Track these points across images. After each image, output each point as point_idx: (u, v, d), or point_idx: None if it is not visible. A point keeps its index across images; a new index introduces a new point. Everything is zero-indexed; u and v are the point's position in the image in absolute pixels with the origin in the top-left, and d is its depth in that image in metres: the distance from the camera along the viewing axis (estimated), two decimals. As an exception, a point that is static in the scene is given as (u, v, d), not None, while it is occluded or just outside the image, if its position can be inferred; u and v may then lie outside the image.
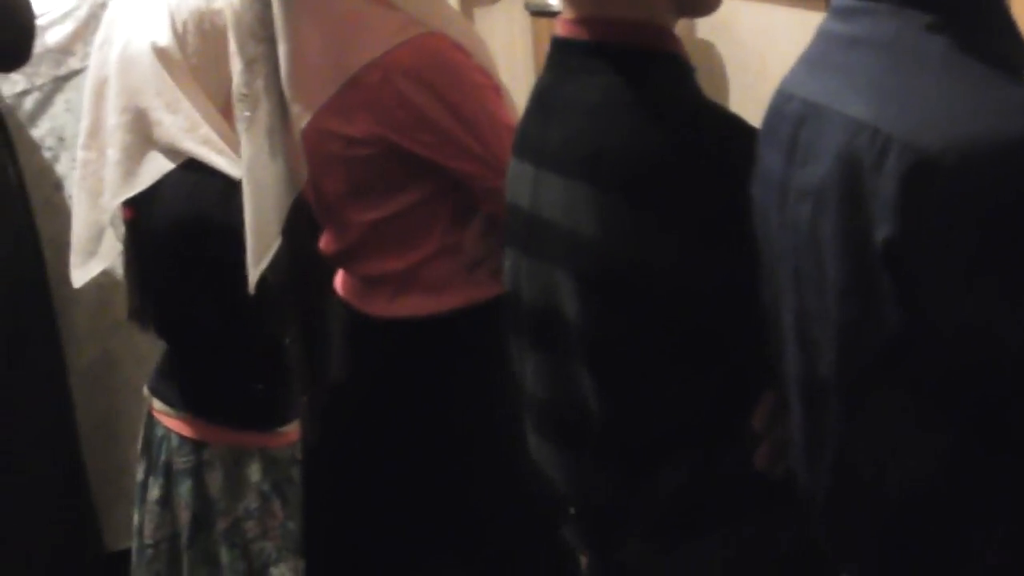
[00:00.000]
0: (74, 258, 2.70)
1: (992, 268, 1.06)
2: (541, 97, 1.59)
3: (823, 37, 1.27)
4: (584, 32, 1.51)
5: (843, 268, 1.15)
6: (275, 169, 2.07)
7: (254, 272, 2.10)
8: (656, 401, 1.46)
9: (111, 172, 2.56)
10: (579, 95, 1.49)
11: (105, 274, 2.89)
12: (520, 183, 1.59)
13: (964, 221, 1.04)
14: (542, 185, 1.53)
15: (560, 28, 1.56)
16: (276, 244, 2.11)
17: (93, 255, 2.70)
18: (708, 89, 1.52)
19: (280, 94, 2.01)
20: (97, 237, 2.68)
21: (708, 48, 2.79)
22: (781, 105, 1.29)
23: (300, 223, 2.13)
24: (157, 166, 2.51)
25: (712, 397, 1.44)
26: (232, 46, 2.05)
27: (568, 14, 1.54)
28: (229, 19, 2.05)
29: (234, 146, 2.42)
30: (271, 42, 1.98)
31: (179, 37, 2.51)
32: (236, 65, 2.06)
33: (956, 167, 1.03)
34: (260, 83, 2.03)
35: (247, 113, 2.05)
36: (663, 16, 1.50)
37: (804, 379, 1.27)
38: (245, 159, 2.09)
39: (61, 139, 3.34)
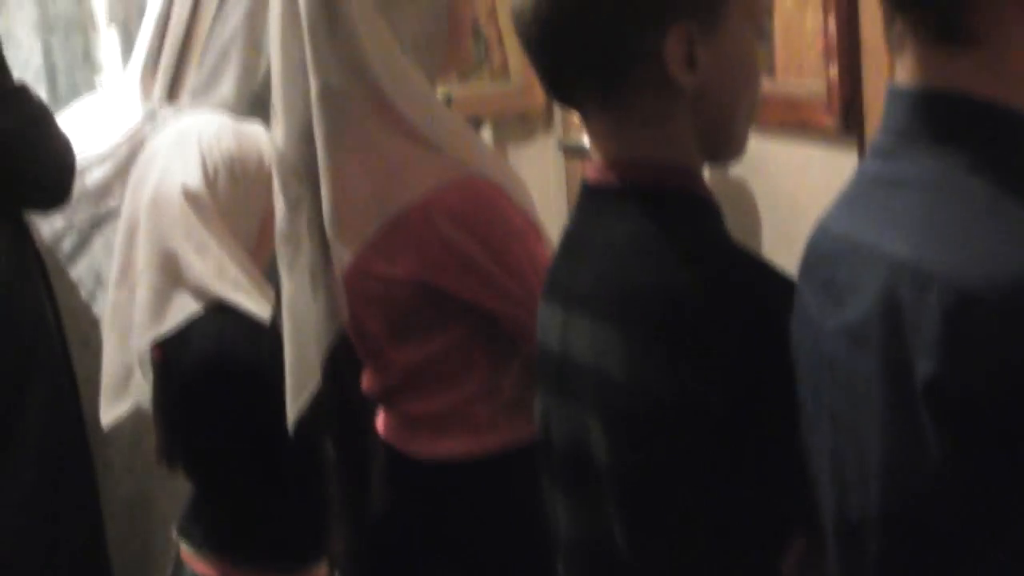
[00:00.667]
0: (103, 398, 2.71)
1: None
2: (571, 241, 1.61)
3: (863, 176, 1.27)
4: (613, 176, 1.53)
5: (883, 407, 1.14)
6: (317, 308, 2.08)
7: (292, 410, 2.11)
8: (686, 543, 1.44)
9: (140, 313, 2.58)
10: (608, 239, 1.50)
11: (140, 412, 2.90)
12: (549, 326, 1.60)
13: (1008, 360, 1.04)
14: (571, 328, 1.53)
15: (589, 172, 1.58)
16: (316, 383, 2.11)
17: (122, 395, 2.71)
18: (740, 227, 1.53)
19: (322, 234, 2.02)
20: (126, 377, 2.70)
21: (740, 186, 2.81)
22: (820, 242, 1.29)
23: (342, 362, 2.14)
24: (186, 308, 2.53)
25: (743, 539, 1.42)
26: (275, 186, 2.07)
27: (596, 159, 1.56)
28: (272, 159, 2.07)
29: (262, 289, 2.44)
30: (314, 182, 2.00)
31: (209, 181, 2.55)
32: (279, 205, 2.07)
33: (999, 305, 1.03)
34: (302, 223, 2.05)
35: (288, 253, 2.07)
36: (691, 159, 1.53)
37: (840, 519, 1.25)
38: (286, 298, 2.10)
39: (99, 279, 3.37)
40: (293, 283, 2.08)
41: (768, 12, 1.57)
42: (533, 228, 2.00)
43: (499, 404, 2.04)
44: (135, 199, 2.63)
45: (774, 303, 1.37)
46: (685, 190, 1.52)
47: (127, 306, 2.65)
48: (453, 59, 2.11)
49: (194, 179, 2.53)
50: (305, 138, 2.00)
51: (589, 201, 1.59)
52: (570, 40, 1.47)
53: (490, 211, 1.95)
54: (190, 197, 2.52)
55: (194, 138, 2.58)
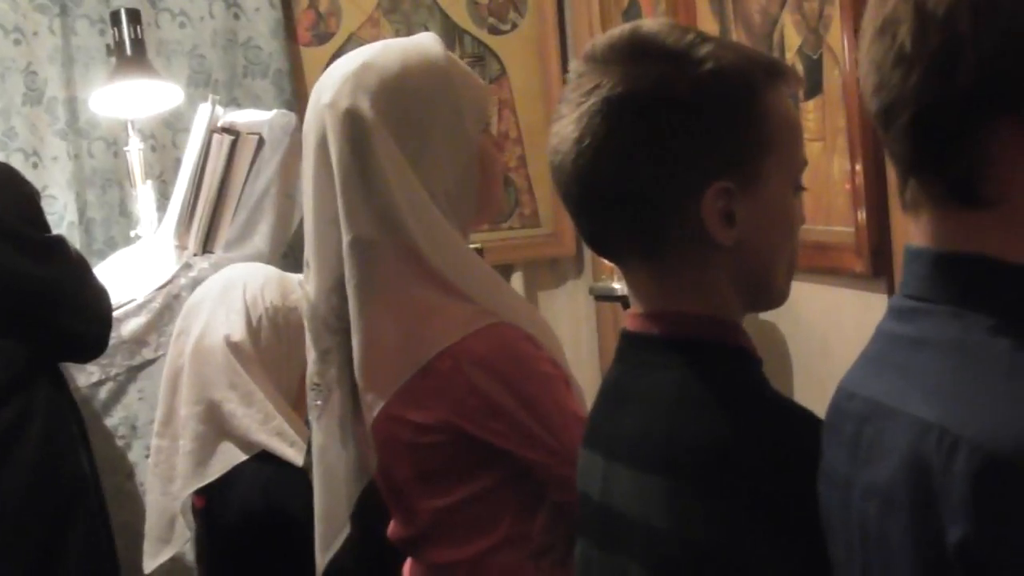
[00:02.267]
0: (147, 544, 2.72)
1: None
2: (613, 390, 1.61)
3: (883, 336, 1.27)
4: (655, 327, 1.54)
5: (915, 567, 1.12)
6: (346, 457, 2.09)
7: (322, 560, 2.11)
8: None
9: (183, 461, 2.59)
10: (651, 388, 1.51)
11: (175, 560, 2.90)
12: (590, 474, 1.60)
13: None
14: (613, 477, 1.53)
15: (630, 323, 1.59)
16: (345, 531, 2.11)
17: (166, 542, 2.72)
18: (771, 369, 1.53)
19: (352, 383, 2.03)
20: (169, 524, 2.71)
21: (771, 329, 2.82)
22: (843, 403, 1.29)
23: (370, 510, 2.14)
24: (229, 457, 2.54)
25: None
26: (307, 338, 2.10)
27: (637, 309, 1.57)
28: (304, 311, 2.10)
29: (304, 438, 2.45)
30: (345, 333, 2.02)
31: (253, 332, 2.58)
32: (310, 356, 2.09)
33: None
34: (333, 373, 2.07)
35: (319, 402, 2.08)
36: (731, 310, 1.53)
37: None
38: (316, 447, 2.11)
39: (134, 427, 3.40)
40: (323, 433, 2.09)
41: (804, 165, 1.57)
42: (561, 375, 2.01)
43: (526, 552, 2.02)
44: (178, 349, 2.66)
45: (815, 452, 1.36)
46: (726, 341, 1.52)
47: (170, 454, 2.67)
48: (485, 209, 2.14)
49: (238, 330, 2.56)
50: (337, 290, 2.03)
51: (630, 350, 1.59)
52: (609, 199, 1.47)
53: (517, 358, 1.96)
54: (233, 348, 2.55)
55: (239, 289, 2.62)
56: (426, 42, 2.07)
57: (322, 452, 2.10)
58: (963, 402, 1.09)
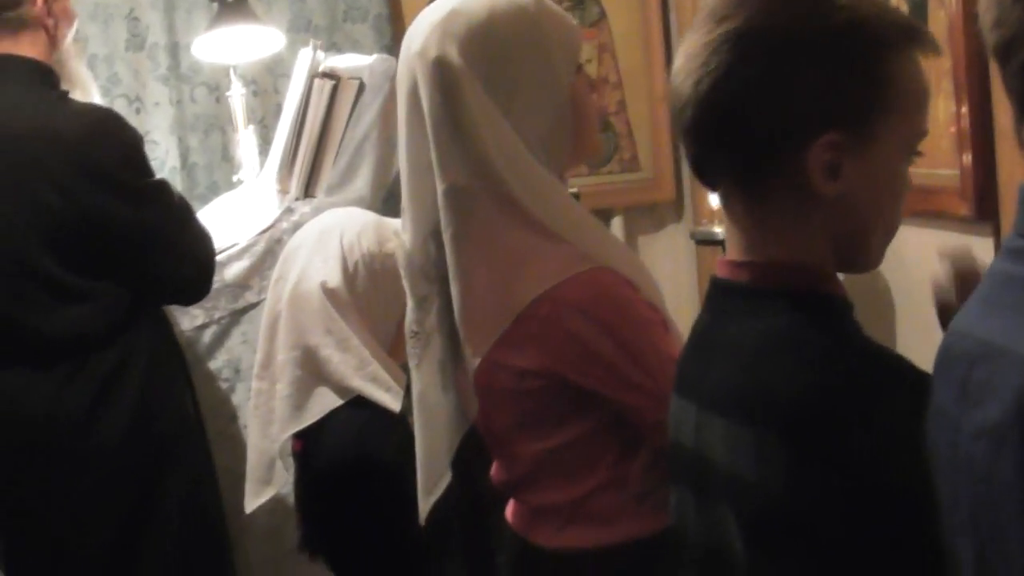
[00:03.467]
0: (248, 484, 2.75)
1: None
2: (702, 338, 1.60)
3: (996, 276, 1.25)
4: (743, 274, 1.53)
5: (1022, 508, 1.12)
6: (447, 403, 2.10)
7: (424, 504, 2.13)
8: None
9: (281, 405, 2.62)
10: (739, 338, 1.50)
11: (276, 501, 2.93)
12: (683, 422, 1.60)
13: None
14: (704, 426, 1.53)
15: (720, 269, 1.58)
16: (447, 477, 2.13)
17: (266, 483, 2.76)
18: (875, 316, 1.52)
19: (451, 329, 2.04)
20: (269, 465, 2.74)
21: (875, 275, 2.78)
22: (954, 343, 1.27)
23: (471, 455, 2.15)
24: (325, 402, 2.57)
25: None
26: (405, 285, 2.10)
27: (730, 251, 1.56)
28: (400, 260, 2.10)
29: (401, 384, 2.47)
30: (443, 281, 2.02)
31: (349, 278, 2.59)
32: (409, 303, 2.10)
33: None
34: (432, 320, 2.07)
35: (417, 350, 2.09)
36: (824, 260, 1.51)
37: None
38: (416, 393, 2.12)
39: (237, 371, 3.44)
40: (423, 379, 2.10)
41: (924, 135, 1.55)
42: (660, 319, 2.00)
43: (624, 496, 2.03)
44: (276, 294, 2.69)
45: (905, 404, 1.35)
46: (816, 290, 1.51)
47: (269, 397, 2.70)
48: (581, 152, 2.13)
49: (334, 276, 2.57)
50: (433, 238, 2.03)
51: (719, 298, 1.59)
52: (721, 125, 1.47)
53: (615, 303, 1.96)
54: (329, 294, 2.57)
55: (336, 235, 2.63)
56: None
57: (422, 398, 2.11)
58: None
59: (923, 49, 1.50)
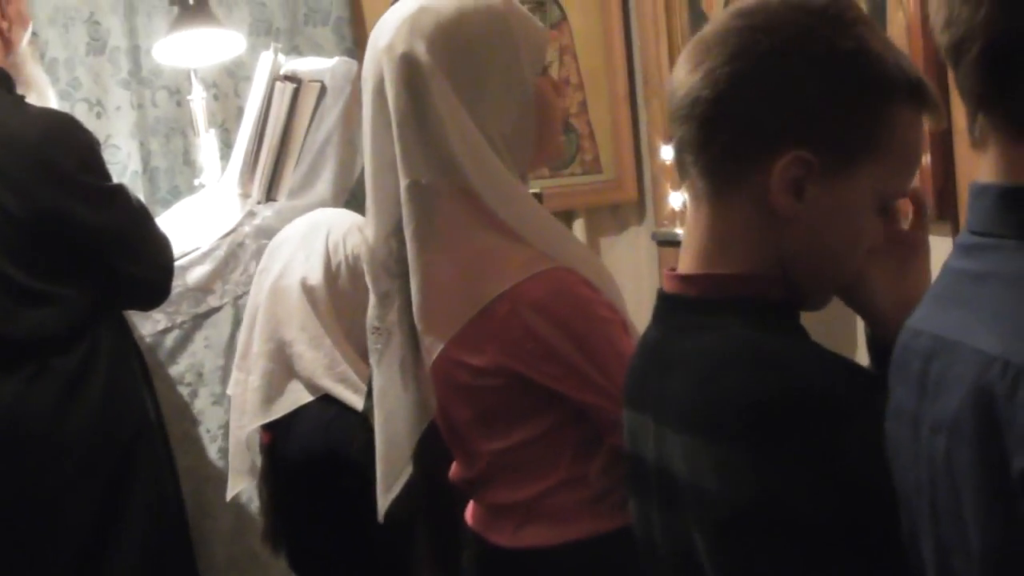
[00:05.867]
0: (230, 473, 2.79)
1: None
2: (655, 352, 1.60)
3: (949, 273, 1.27)
4: (692, 288, 1.53)
5: (981, 499, 1.13)
6: (407, 400, 2.10)
7: (383, 501, 2.13)
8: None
9: (251, 396, 2.64)
10: (693, 351, 1.49)
11: (243, 505, 2.94)
12: (642, 436, 1.59)
13: None
14: (664, 437, 1.52)
15: (667, 284, 1.58)
16: (407, 473, 2.13)
17: (245, 472, 2.78)
18: (838, 317, 1.52)
19: (412, 326, 2.04)
20: (244, 454, 2.76)
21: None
22: (909, 341, 1.29)
23: (432, 452, 2.15)
24: (295, 397, 2.58)
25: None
26: (367, 281, 2.11)
27: (680, 267, 1.56)
28: (363, 255, 2.11)
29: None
30: (404, 277, 2.03)
31: (330, 277, 2.60)
32: (371, 299, 2.11)
33: None
34: (393, 316, 2.08)
35: (379, 345, 2.10)
36: (771, 268, 1.50)
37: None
38: (377, 389, 2.13)
39: (200, 375, 3.44)
40: (383, 375, 2.11)
41: (901, 196, 1.55)
42: (619, 320, 2.01)
43: (583, 495, 2.03)
44: (259, 285, 2.70)
45: (861, 403, 1.37)
46: (764, 296, 1.51)
47: (245, 387, 2.71)
48: (543, 153, 2.14)
49: (315, 274, 2.59)
50: (396, 234, 2.04)
51: (669, 312, 1.59)
52: (709, 113, 1.46)
53: (574, 302, 1.96)
54: (308, 291, 2.58)
55: (323, 233, 2.65)
56: None
57: (382, 394, 2.11)
58: None
59: (925, 107, 1.49)
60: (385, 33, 2.02)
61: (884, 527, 1.32)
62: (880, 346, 1.56)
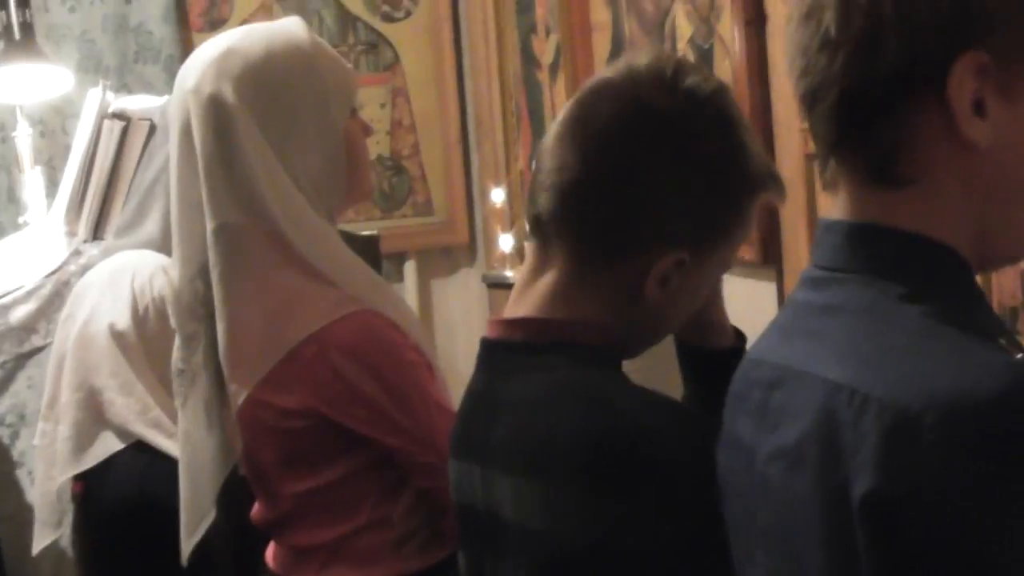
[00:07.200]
0: (37, 525, 2.72)
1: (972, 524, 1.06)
2: (481, 399, 1.60)
3: (794, 305, 1.30)
4: (518, 332, 1.55)
5: (819, 524, 1.14)
6: (211, 443, 2.08)
7: (187, 545, 2.11)
8: None
9: (62, 446, 2.59)
10: (521, 393, 1.51)
11: (62, 551, 2.89)
12: (469, 485, 1.60)
13: (944, 478, 1.04)
14: (492, 484, 1.53)
15: (491, 330, 1.59)
16: (210, 517, 2.11)
17: (52, 525, 2.72)
18: (669, 358, 1.56)
19: (217, 368, 2.03)
20: (53, 506, 2.70)
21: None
22: (750, 371, 1.31)
23: (235, 494, 2.14)
24: (107, 445, 2.54)
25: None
26: (172, 323, 2.09)
27: (506, 311, 1.58)
28: (168, 297, 2.09)
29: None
30: (210, 319, 2.02)
31: (138, 320, 2.57)
32: (176, 341, 2.09)
33: (937, 424, 1.04)
34: (198, 358, 2.06)
35: (183, 388, 2.08)
36: (597, 316, 1.52)
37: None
38: (182, 432, 2.11)
39: (22, 416, 3.38)
40: (188, 418, 2.09)
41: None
42: (425, 363, 2.02)
43: (388, 536, 2.03)
44: (65, 332, 2.65)
45: (685, 437, 1.40)
46: (591, 342, 1.53)
47: (54, 438, 2.66)
48: (353, 194, 2.13)
49: (123, 319, 2.55)
50: (201, 276, 2.02)
51: (494, 358, 1.60)
52: (571, 193, 1.50)
53: (381, 345, 1.98)
54: (117, 336, 2.54)
55: (128, 277, 2.61)
56: (292, 27, 2.07)
57: (187, 438, 2.10)
58: (873, 364, 1.11)
59: (777, 196, 1.57)
60: (192, 74, 2.02)
61: (715, 560, 1.33)
62: (716, 361, 1.63)
